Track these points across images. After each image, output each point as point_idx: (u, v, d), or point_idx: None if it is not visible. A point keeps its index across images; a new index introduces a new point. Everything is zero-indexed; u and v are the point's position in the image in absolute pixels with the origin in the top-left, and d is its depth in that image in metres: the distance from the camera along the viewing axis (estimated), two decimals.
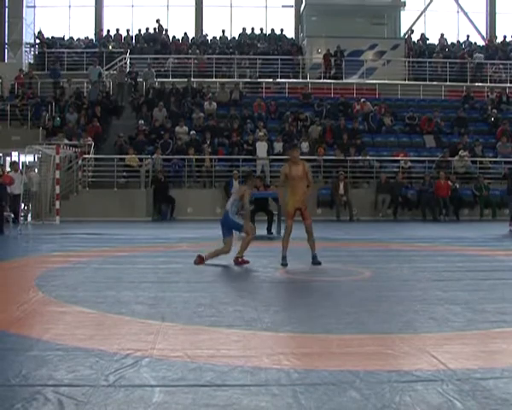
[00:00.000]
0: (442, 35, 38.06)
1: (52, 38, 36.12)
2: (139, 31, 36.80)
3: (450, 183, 24.90)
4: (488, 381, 4.96)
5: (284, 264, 11.46)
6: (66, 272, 10.72)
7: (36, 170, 24.24)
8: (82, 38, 36.65)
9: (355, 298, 8.58)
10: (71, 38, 36.83)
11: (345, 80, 33.32)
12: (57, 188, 22.08)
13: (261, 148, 25.84)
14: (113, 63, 32.60)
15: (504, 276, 10.63)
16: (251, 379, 5.02)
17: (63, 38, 36.69)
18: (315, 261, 11.61)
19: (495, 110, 30.50)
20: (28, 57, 35.39)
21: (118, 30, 36.59)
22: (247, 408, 4.41)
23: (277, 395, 4.66)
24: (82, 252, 13.66)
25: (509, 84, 33.83)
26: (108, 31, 37.06)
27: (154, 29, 36.74)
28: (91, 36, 37.35)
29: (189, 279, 9.99)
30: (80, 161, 24.87)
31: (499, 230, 19.19)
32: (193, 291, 8.88)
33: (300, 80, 33.23)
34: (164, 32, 36.64)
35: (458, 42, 38.82)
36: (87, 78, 30.97)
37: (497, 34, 39.60)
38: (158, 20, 36.95)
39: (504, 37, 38.68)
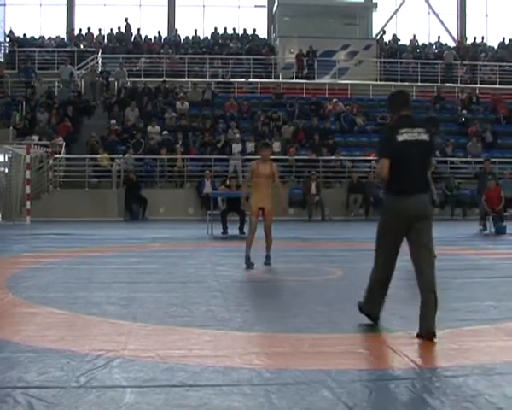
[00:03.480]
0: (414, 36, 38.35)
1: (24, 36, 35.80)
2: (111, 30, 36.62)
3: None
4: (458, 378, 5.01)
5: (248, 264, 11.19)
6: (37, 273, 10.64)
7: (2, 169, 24.04)
8: (53, 36, 36.37)
9: (327, 297, 8.61)
10: (42, 36, 36.53)
11: (317, 80, 33.43)
12: (28, 188, 21.88)
13: (237, 149, 25.90)
14: (84, 62, 32.39)
15: (474, 275, 10.73)
16: (223, 379, 5.03)
17: (34, 37, 36.39)
18: (266, 262, 11.49)
19: (465, 111, 30.78)
20: None
21: (89, 29, 36.35)
22: (219, 408, 4.42)
23: (249, 394, 4.67)
24: (53, 252, 13.55)
25: (478, 85, 34.15)
26: (80, 30, 36.81)
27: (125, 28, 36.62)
28: (63, 35, 37.07)
29: (161, 280, 9.97)
30: (51, 161, 24.69)
31: (469, 229, 19.37)
32: (165, 291, 8.86)
33: (273, 80, 33.29)
34: (136, 32, 36.45)
35: (430, 43, 39.15)
36: (58, 77, 30.76)
37: (467, 36, 40.00)
38: (126, 19, 36.79)
39: (474, 38, 39.06)
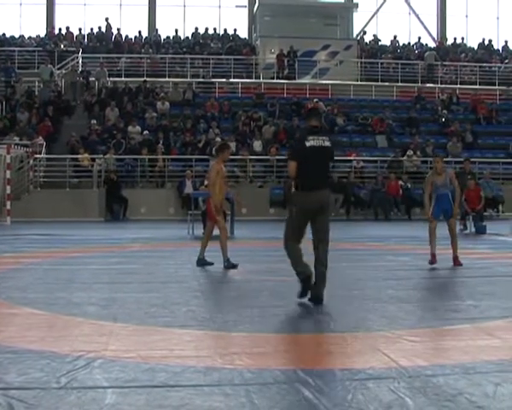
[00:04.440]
0: (395, 37, 38.53)
1: (3, 35, 35.56)
2: (91, 29, 36.47)
3: (401, 182, 25.20)
4: (438, 377, 5.02)
5: (231, 266, 11.11)
6: (18, 274, 10.58)
7: None
8: (33, 36, 36.15)
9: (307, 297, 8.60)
10: (22, 36, 36.29)
11: (298, 80, 33.50)
12: (8, 188, 21.75)
13: None
14: (64, 62, 32.26)
15: (454, 274, 10.79)
16: (204, 379, 5.01)
17: (14, 36, 36.14)
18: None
19: (445, 111, 30.96)
20: None
21: (67, 28, 36.13)
22: (200, 409, 4.41)
23: (230, 394, 4.66)
24: (34, 253, 13.48)
25: (459, 86, 34.35)
26: (60, 29, 36.61)
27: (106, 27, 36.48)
28: (43, 34, 36.83)
29: (141, 280, 9.94)
30: (32, 161, 24.56)
31: None
32: (146, 292, 8.83)
33: (253, 80, 33.31)
34: (116, 31, 36.34)
35: (409, 43, 39.35)
36: (38, 77, 30.60)
37: (447, 36, 40.24)
38: (106, 19, 36.65)
39: (454, 39, 39.29)
